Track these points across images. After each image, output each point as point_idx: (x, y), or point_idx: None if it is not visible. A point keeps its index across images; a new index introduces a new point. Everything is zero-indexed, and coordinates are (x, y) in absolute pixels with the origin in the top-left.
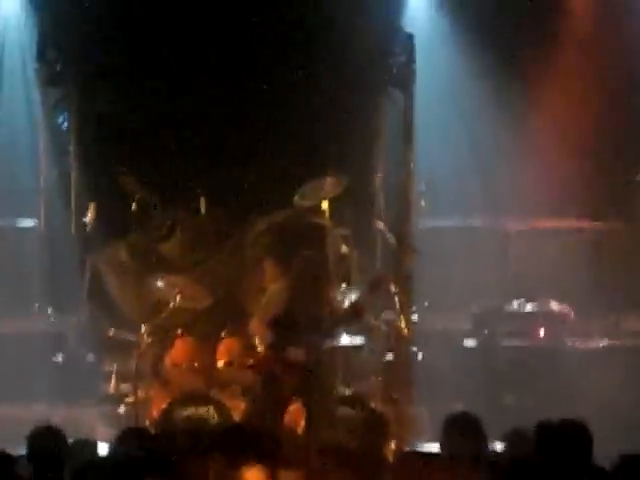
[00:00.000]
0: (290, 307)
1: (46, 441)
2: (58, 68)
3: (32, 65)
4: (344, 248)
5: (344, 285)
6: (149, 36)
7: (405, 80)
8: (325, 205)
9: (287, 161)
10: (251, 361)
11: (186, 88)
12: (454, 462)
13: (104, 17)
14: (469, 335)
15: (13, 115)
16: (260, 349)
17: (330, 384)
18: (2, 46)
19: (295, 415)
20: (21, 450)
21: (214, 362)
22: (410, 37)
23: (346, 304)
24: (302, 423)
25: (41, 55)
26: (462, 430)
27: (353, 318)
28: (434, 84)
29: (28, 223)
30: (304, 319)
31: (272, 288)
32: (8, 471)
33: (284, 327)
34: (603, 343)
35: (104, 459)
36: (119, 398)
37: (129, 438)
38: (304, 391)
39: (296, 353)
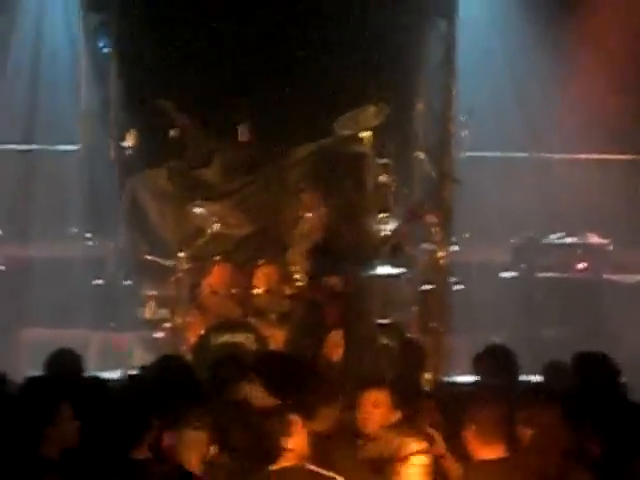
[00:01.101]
0: (329, 236)
1: (64, 364)
2: None
3: None
4: (383, 177)
5: (382, 214)
6: None
7: (449, 8)
8: (365, 134)
9: (328, 89)
10: (289, 290)
11: (228, 14)
12: (487, 393)
13: None
14: (508, 267)
15: (54, 40)
16: (298, 278)
17: (369, 313)
18: None
19: (334, 344)
20: None
21: (251, 289)
22: None
23: (384, 233)
24: (341, 352)
25: None
26: (496, 362)
27: (391, 247)
28: (479, 14)
29: (69, 147)
30: (343, 248)
31: (310, 217)
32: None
33: (323, 256)
34: None
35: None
36: (157, 323)
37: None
38: (343, 320)
39: (335, 282)
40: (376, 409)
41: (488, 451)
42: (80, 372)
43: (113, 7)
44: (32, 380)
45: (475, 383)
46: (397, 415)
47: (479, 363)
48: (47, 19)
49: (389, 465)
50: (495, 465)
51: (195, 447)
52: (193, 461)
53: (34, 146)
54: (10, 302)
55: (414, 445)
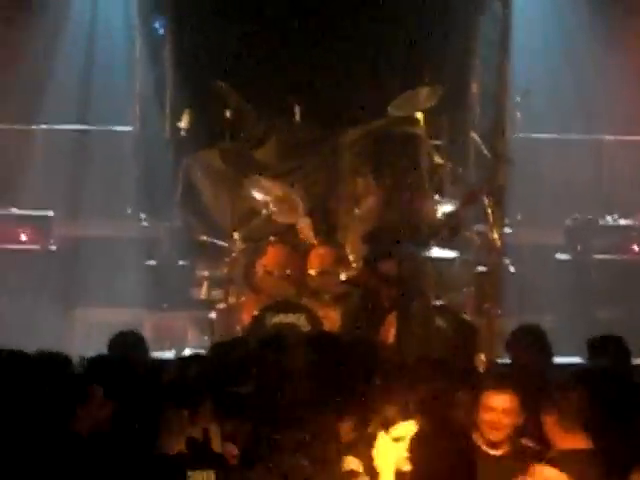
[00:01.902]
0: (384, 219)
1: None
2: None
3: None
4: (438, 159)
5: (437, 196)
6: None
7: None
8: (420, 115)
9: (382, 71)
10: (344, 272)
11: (278, 5)
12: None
13: None
14: (562, 249)
15: (110, 20)
16: (353, 260)
17: (425, 296)
18: None
19: (390, 326)
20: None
21: (306, 270)
22: None
23: (439, 215)
24: (397, 334)
25: None
26: (529, 342)
27: (447, 230)
28: None
29: (124, 127)
30: (398, 231)
31: (366, 201)
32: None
33: (379, 239)
34: None
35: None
36: (210, 304)
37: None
38: (399, 303)
39: (391, 265)
40: (506, 417)
41: (572, 440)
42: (145, 354)
43: None
44: (95, 360)
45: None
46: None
47: (512, 344)
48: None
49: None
50: (580, 456)
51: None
52: None
53: (89, 127)
54: (64, 282)
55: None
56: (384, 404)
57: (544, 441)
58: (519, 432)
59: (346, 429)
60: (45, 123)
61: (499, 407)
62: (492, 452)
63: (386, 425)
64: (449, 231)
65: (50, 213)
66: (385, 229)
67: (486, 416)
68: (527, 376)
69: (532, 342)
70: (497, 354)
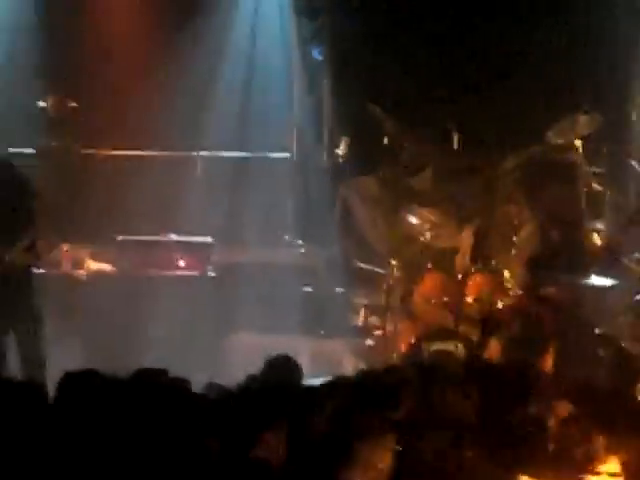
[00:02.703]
0: (545, 246)
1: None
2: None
3: None
4: (597, 186)
5: (597, 224)
6: None
7: None
8: (578, 142)
9: (540, 98)
10: (502, 299)
11: (440, 20)
12: None
13: None
14: None
15: (268, 49)
16: (510, 288)
17: (584, 324)
18: None
19: (550, 355)
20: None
21: (463, 298)
22: None
23: (599, 242)
24: (556, 362)
25: None
26: None
27: (607, 257)
28: None
29: (281, 155)
30: (558, 258)
31: (527, 227)
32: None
33: (541, 267)
34: None
35: None
36: (368, 331)
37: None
38: (561, 331)
39: (552, 292)
40: None
41: None
42: (299, 380)
43: (326, 14)
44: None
45: None
46: None
47: None
48: (260, 27)
49: None
50: None
51: None
52: None
53: (248, 154)
54: (221, 307)
55: None
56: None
57: None
58: None
59: None
60: (205, 150)
61: None
62: None
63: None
64: (609, 258)
65: (209, 240)
66: (545, 256)
67: None
68: None
69: None
70: None
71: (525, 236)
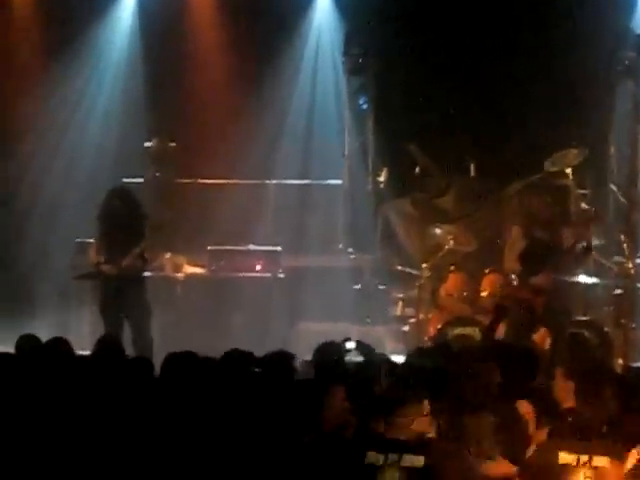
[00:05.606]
0: (534, 244)
1: (328, 353)
2: (360, 61)
3: (340, 59)
4: (584, 205)
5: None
6: (433, 36)
7: (634, 70)
8: (569, 170)
9: (540, 136)
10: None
11: (463, 78)
12: None
13: (398, 19)
14: None
15: (326, 100)
16: (515, 282)
17: (569, 310)
18: (317, 45)
19: (541, 336)
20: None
21: (479, 293)
22: (639, 36)
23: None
24: (546, 343)
25: (347, 50)
26: None
27: (581, 251)
28: None
29: (335, 182)
30: (546, 254)
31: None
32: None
33: (530, 260)
34: None
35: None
36: (404, 319)
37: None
38: (548, 314)
39: (539, 280)
40: None
41: None
42: (342, 360)
43: (370, 72)
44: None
45: None
46: None
47: None
48: (319, 84)
49: None
50: None
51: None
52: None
53: (310, 181)
54: (289, 302)
55: None
56: None
57: None
58: None
59: None
60: (275, 178)
61: None
62: None
63: None
64: (582, 252)
65: (279, 248)
66: (534, 251)
67: None
68: None
69: None
70: (632, 359)
71: (518, 238)
